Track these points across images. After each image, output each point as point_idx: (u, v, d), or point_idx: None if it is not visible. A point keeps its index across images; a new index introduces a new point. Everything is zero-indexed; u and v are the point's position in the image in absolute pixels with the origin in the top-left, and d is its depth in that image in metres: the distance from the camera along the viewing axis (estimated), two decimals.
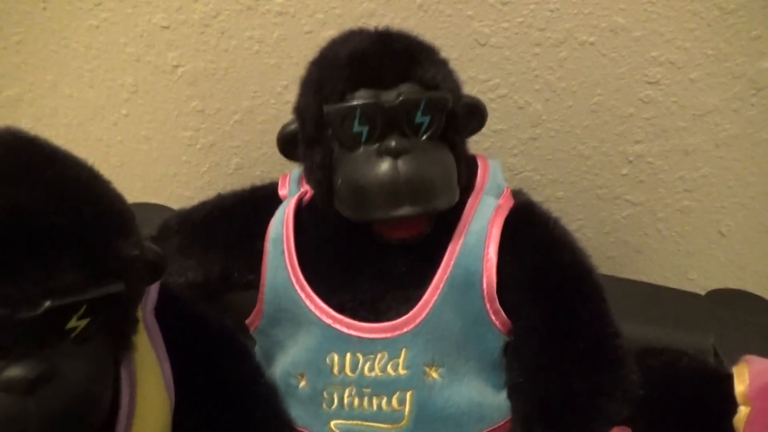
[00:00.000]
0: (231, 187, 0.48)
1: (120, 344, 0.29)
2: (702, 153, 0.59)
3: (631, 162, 0.61)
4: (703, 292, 0.60)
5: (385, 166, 0.36)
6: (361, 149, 0.37)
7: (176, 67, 0.61)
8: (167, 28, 0.59)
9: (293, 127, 0.40)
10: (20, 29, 0.60)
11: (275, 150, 0.66)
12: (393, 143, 0.36)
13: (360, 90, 0.37)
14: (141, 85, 0.63)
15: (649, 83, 0.56)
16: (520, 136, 0.61)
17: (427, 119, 0.37)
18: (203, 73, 0.61)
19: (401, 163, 0.36)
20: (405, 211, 0.36)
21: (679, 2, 0.53)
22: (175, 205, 0.52)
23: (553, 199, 0.64)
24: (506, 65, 0.57)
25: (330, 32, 0.57)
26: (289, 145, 0.41)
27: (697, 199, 0.62)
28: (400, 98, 0.36)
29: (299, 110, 0.40)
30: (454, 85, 0.40)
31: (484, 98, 0.45)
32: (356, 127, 0.36)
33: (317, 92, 0.38)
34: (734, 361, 0.46)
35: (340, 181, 0.37)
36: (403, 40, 0.39)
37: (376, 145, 0.36)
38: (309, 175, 0.40)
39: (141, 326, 0.32)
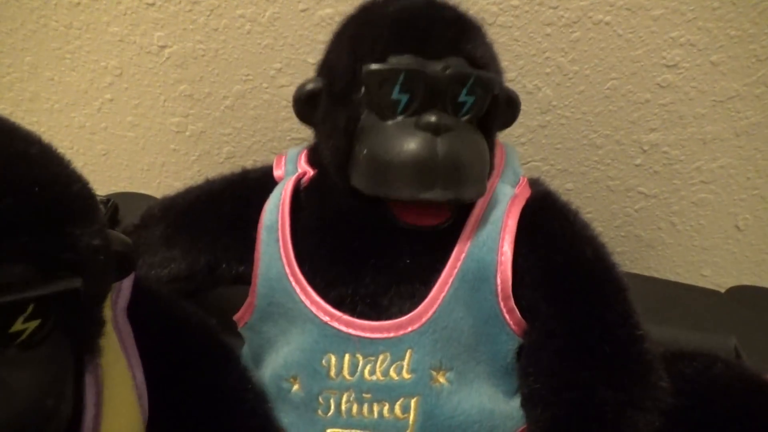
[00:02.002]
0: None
1: (82, 348, 0.26)
2: (721, 142, 0.57)
3: (645, 151, 0.58)
4: (717, 289, 0.57)
5: (422, 141, 0.32)
6: (396, 119, 0.33)
7: (163, 47, 0.57)
8: (153, 5, 0.55)
9: (313, 85, 0.36)
10: None
11: (269, 138, 0.64)
12: (434, 118, 0.32)
13: (405, 55, 0.33)
14: (126, 68, 0.59)
15: (667, 66, 0.53)
16: (529, 123, 0.58)
17: (471, 99, 0.34)
18: (192, 55, 0.57)
19: (441, 142, 0.32)
20: (435, 194, 0.32)
21: None
22: (163, 195, 0.49)
23: (562, 191, 0.61)
24: (515, 46, 0.54)
25: (327, 11, 0.54)
26: (306, 105, 0.37)
27: (714, 192, 0.60)
28: (448, 70, 0.33)
29: (327, 66, 0.36)
30: (499, 71, 0.37)
31: None
32: (395, 94, 0.33)
33: (354, 48, 0.34)
34: (758, 363, 0.43)
35: (365, 150, 0.34)
36: (454, 11, 0.36)
37: (413, 118, 0.33)
38: (326, 141, 0.36)
39: (110, 327, 0.28)
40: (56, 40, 0.58)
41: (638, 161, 0.59)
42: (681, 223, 0.62)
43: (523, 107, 0.57)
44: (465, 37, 0.34)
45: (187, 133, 0.63)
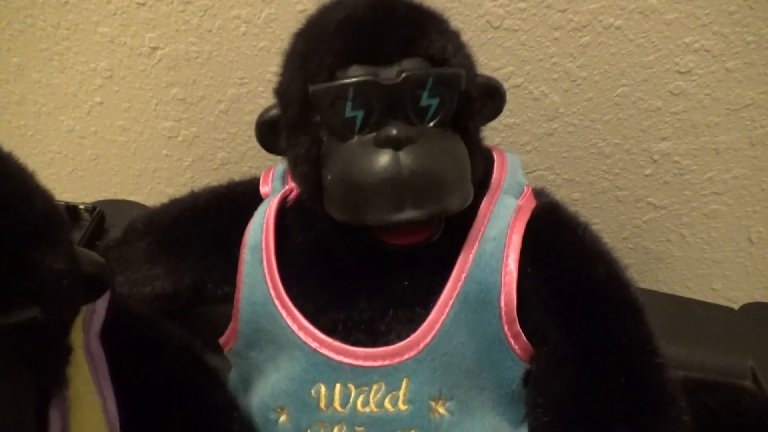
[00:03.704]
0: (216, 184, 0.42)
1: (46, 380, 0.23)
2: (735, 152, 0.54)
3: (655, 161, 0.56)
4: (730, 305, 0.55)
5: (384, 159, 0.29)
6: (355, 138, 0.31)
7: (154, 49, 0.55)
8: (144, 5, 0.53)
9: (274, 112, 0.34)
10: None
11: None
12: (394, 131, 0.29)
13: (353, 66, 0.30)
14: (116, 70, 0.57)
15: (680, 73, 0.51)
16: (535, 131, 0.55)
17: (435, 101, 0.31)
18: (184, 57, 0.55)
19: (404, 156, 0.29)
20: (408, 214, 0.29)
21: None
22: (155, 203, 0.46)
23: (569, 201, 0.59)
24: (521, 51, 0.51)
25: None
26: (269, 133, 0.34)
27: (726, 203, 0.57)
28: (403, 75, 0.30)
29: (280, 91, 0.34)
30: (467, 61, 0.33)
31: None
32: (349, 112, 0.30)
33: (301, 68, 0.32)
34: None
35: (329, 176, 0.31)
36: (406, 7, 0.32)
37: (374, 134, 0.30)
38: (293, 170, 0.34)
39: (80, 354, 0.26)
40: (44, 41, 0.56)
41: (648, 171, 0.57)
42: (691, 235, 0.60)
43: (529, 114, 0.56)
44: (419, 33, 0.31)
45: (180, 138, 0.60)
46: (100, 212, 0.50)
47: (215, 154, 0.61)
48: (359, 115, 0.30)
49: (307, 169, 0.32)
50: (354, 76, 0.30)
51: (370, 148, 0.30)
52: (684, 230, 0.60)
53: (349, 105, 0.30)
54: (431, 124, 0.31)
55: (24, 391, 0.22)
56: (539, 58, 0.52)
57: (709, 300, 0.57)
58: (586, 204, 0.60)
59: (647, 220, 0.60)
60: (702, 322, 0.50)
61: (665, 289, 0.62)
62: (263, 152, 0.60)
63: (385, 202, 0.30)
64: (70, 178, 0.65)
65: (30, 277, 0.21)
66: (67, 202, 0.50)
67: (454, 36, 0.33)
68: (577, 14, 0.49)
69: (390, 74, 0.30)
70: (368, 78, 0.30)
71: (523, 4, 0.50)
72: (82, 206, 0.51)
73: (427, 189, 0.30)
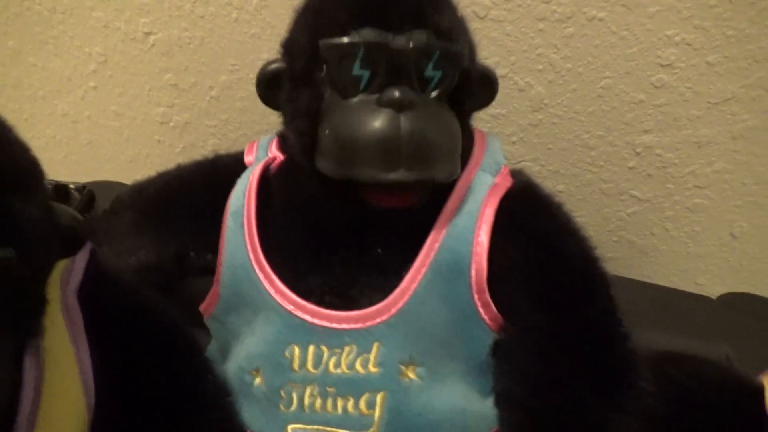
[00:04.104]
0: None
1: (22, 327, 0.24)
2: (716, 146, 0.55)
3: (638, 154, 0.57)
4: (713, 296, 0.55)
5: (385, 118, 0.30)
6: (358, 97, 0.32)
7: (148, 34, 0.56)
8: None
9: (277, 65, 0.35)
10: None
11: (255, 131, 0.63)
12: (397, 93, 0.30)
13: (366, 28, 0.31)
14: (110, 55, 0.58)
15: (662, 66, 0.52)
16: (520, 121, 0.56)
17: (438, 74, 0.32)
18: (177, 43, 0.56)
19: (404, 119, 0.30)
20: (400, 175, 0.30)
21: None
22: None
23: (554, 193, 0.60)
24: (506, 41, 0.52)
25: None
26: (270, 87, 0.35)
27: (708, 197, 0.58)
28: (412, 43, 0.31)
29: (289, 44, 0.35)
30: (470, 45, 0.35)
31: None
32: (356, 70, 0.31)
33: (314, 24, 0.33)
34: (750, 370, 0.42)
35: (327, 131, 0.32)
36: None
37: (376, 95, 0.31)
38: (290, 123, 0.35)
39: (56, 308, 0.26)
40: (39, 25, 0.57)
41: (631, 164, 0.57)
42: (675, 229, 0.61)
43: (514, 105, 0.56)
44: (431, 8, 0.32)
45: (172, 124, 0.61)
46: (89, 191, 0.51)
47: (206, 140, 0.62)
48: (365, 74, 0.31)
49: (305, 122, 0.33)
50: (366, 37, 0.31)
51: (372, 107, 0.31)
52: (667, 224, 0.61)
53: (357, 64, 0.31)
54: (432, 95, 0.33)
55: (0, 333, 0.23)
56: (524, 48, 0.53)
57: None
58: (571, 196, 0.60)
59: (631, 213, 0.60)
60: (680, 311, 0.51)
61: (649, 282, 0.63)
62: (254, 138, 0.61)
63: (380, 160, 0.31)
64: (64, 162, 0.66)
65: (5, 220, 0.22)
66: (57, 181, 0.51)
67: (461, 20, 0.35)
68: (561, 6, 0.50)
69: (400, 41, 0.31)
70: (380, 40, 0.31)
71: None
72: (72, 185, 0.52)
73: (422, 154, 0.31)
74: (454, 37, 0.33)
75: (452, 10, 0.34)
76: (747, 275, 0.62)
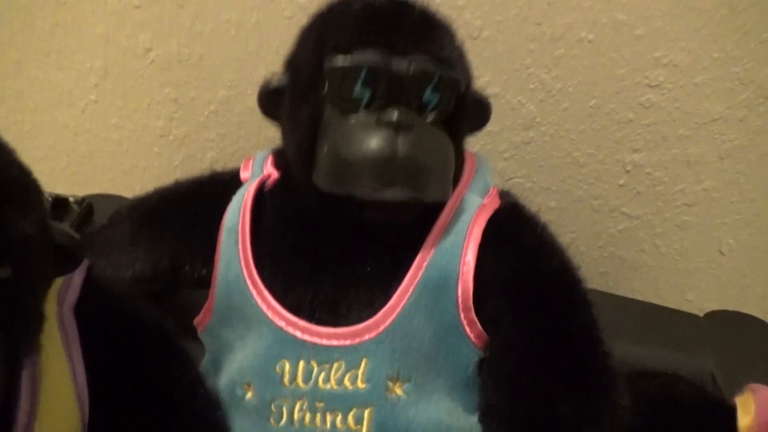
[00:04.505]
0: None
1: (18, 343, 0.25)
2: (704, 164, 0.56)
3: (628, 172, 0.58)
4: (700, 313, 0.56)
5: (382, 138, 0.32)
6: (358, 115, 0.33)
7: (148, 50, 0.57)
8: (139, 7, 0.55)
9: (279, 81, 0.36)
10: None
11: (253, 144, 0.64)
12: (396, 114, 0.32)
13: (369, 50, 0.33)
14: (111, 69, 0.59)
15: (651, 87, 0.53)
16: (512, 139, 0.57)
17: (436, 98, 0.33)
18: (177, 58, 0.57)
19: (401, 139, 0.32)
20: (394, 193, 0.32)
21: None
22: None
23: (545, 209, 0.61)
24: (499, 61, 0.54)
25: None
26: (271, 102, 0.36)
27: (697, 215, 0.59)
28: (413, 67, 0.32)
29: (293, 61, 0.36)
30: (467, 72, 0.37)
31: None
32: (358, 90, 0.33)
33: (318, 44, 0.34)
34: (734, 388, 0.42)
35: (326, 147, 0.33)
36: (423, 9, 0.35)
37: (375, 115, 0.32)
38: (289, 137, 0.36)
39: (52, 323, 0.27)
40: (42, 39, 0.58)
41: (621, 181, 0.58)
42: (664, 245, 0.61)
43: (506, 122, 0.58)
44: (432, 35, 0.34)
45: (171, 137, 0.62)
46: (88, 204, 0.52)
47: (204, 154, 0.63)
48: (366, 94, 0.33)
49: (305, 137, 0.34)
50: (369, 58, 0.32)
51: (371, 126, 0.32)
52: (657, 240, 0.61)
53: (359, 84, 0.32)
54: (429, 118, 0.34)
55: None
56: (516, 68, 0.54)
57: (682, 309, 0.59)
58: (562, 212, 0.61)
59: (621, 229, 0.61)
60: (667, 327, 0.52)
61: (640, 298, 0.64)
62: (251, 153, 0.62)
63: (376, 178, 0.32)
64: (64, 173, 0.66)
65: (2, 238, 0.22)
66: (57, 194, 0.52)
67: (459, 47, 0.37)
68: (551, 27, 0.52)
69: (401, 64, 0.33)
70: (383, 63, 0.32)
71: (499, 17, 0.52)
72: (71, 198, 0.53)
73: (416, 174, 0.32)
74: (453, 63, 0.34)
75: (452, 37, 0.36)
76: (735, 291, 0.63)
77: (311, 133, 0.34)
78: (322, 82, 0.33)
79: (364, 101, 0.33)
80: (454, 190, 0.37)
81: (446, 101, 0.34)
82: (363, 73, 0.32)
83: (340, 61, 0.33)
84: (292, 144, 0.36)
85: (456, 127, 0.35)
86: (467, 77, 0.36)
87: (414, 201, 0.33)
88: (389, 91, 0.33)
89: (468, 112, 0.36)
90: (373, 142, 0.31)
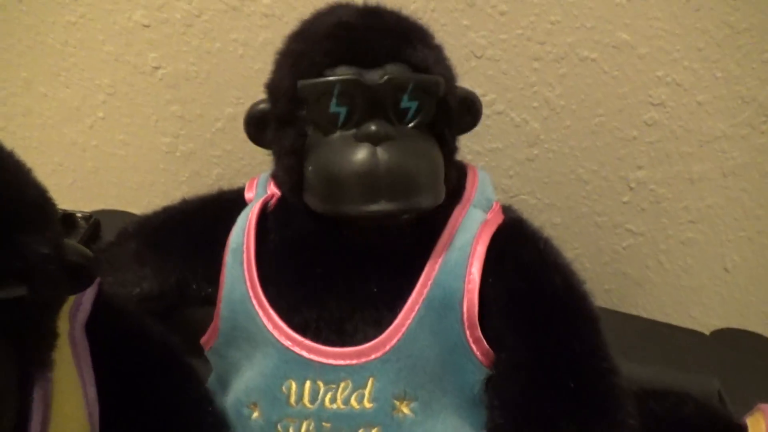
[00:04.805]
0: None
1: (31, 360, 0.25)
2: (708, 182, 0.56)
3: (632, 188, 0.58)
4: (706, 331, 0.56)
5: (362, 153, 0.32)
6: (338, 133, 0.33)
7: (156, 68, 0.58)
8: (148, 27, 0.56)
9: (263, 106, 0.37)
10: None
11: (258, 161, 0.64)
12: (373, 127, 0.32)
13: (341, 66, 0.33)
14: (119, 86, 0.60)
15: (654, 105, 0.54)
16: (516, 156, 0.58)
17: (414, 104, 0.33)
18: (184, 76, 0.58)
19: (381, 151, 0.32)
20: (381, 206, 0.32)
21: (688, 19, 0.50)
22: None
23: (549, 225, 0.61)
24: (503, 79, 0.54)
25: None
26: (257, 127, 0.37)
27: (701, 231, 0.59)
28: (385, 77, 0.32)
29: (272, 86, 0.36)
30: (447, 72, 0.36)
31: None
32: (333, 107, 0.33)
33: (293, 66, 0.34)
34: (741, 407, 0.42)
35: (311, 168, 0.33)
36: (393, 17, 0.35)
37: (354, 130, 0.33)
38: (278, 162, 0.36)
39: (64, 341, 0.27)
40: (52, 57, 0.59)
41: (625, 198, 0.59)
42: (669, 262, 0.62)
43: (510, 140, 0.58)
44: (404, 42, 0.34)
45: (178, 154, 0.63)
46: (95, 220, 0.52)
47: (210, 170, 0.63)
48: (343, 111, 0.33)
49: (291, 161, 0.34)
50: (340, 74, 0.33)
51: (350, 142, 0.32)
52: (662, 257, 0.61)
53: (334, 101, 0.32)
54: (410, 125, 0.34)
55: (8, 367, 0.24)
56: (520, 86, 0.54)
57: (687, 326, 0.59)
58: (566, 228, 0.61)
59: (626, 246, 0.61)
60: (673, 345, 0.52)
61: (645, 314, 0.64)
62: (257, 169, 0.63)
63: (361, 194, 0.32)
64: (71, 188, 0.67)
65: (18, 258, 0.23)
66: (65, 210, 0.52)
67: (436, 48, 0.36)
68: (555, 46, 0.52)
69: (374, 76, 0.33)
70: (353, 77, 0.32)
71: (504, 36, 0.52)
72: (79, 214, 0.53)
73: (401, 184, 0.32)
74: (428, 67, 0.34)
75: (426, 40, 0.36)
76: (740, 308, 0.63)
77: (297, 156, 0.34)
78: (302, 105, 0.34)
79: (342, 118, 0.33)
80: (455, 205, 0.37)
81: (426, 106, 0.34)
82: (336, 90, 0.32)
83: (312, 81, 0.33)
84: (281, 168, 0.36)
85: (441, 130, 0.35)
86: (449, 78, 0.36)
87: (403, 212, 0.33)
88: (365, 105, 0.33)
89: (453, 113, 0.36)
90: (353, 157, 0.32)
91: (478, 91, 0.55)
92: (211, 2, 0.54)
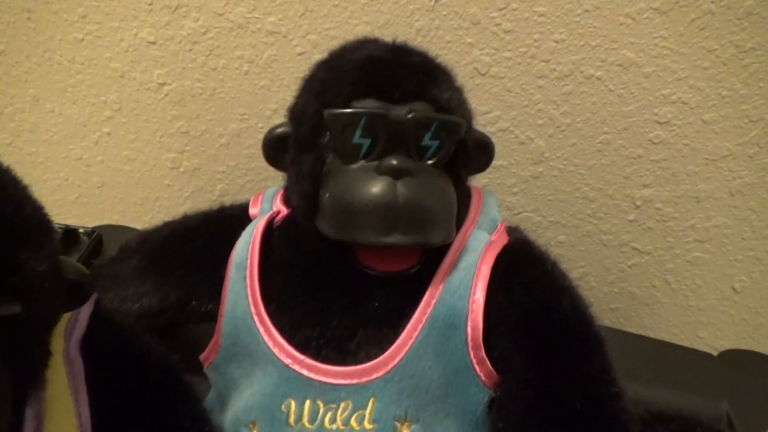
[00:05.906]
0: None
1: (24, 379, 0.25)
2: (715, 201, 0.56)
3: (638, 207, 0.57)
4: (714, 352, 0.55)
5: (382, 185, 0.32)
6: (358, 163, 0.34)
7: (162, 85, 0.58)
8: (154, 44, 0.56)
9: (283, 129, 0.37)
10: (3, 39, 0.58)
11: (262, 177, 0.64)
12: (395, 162, 0.32)
13: (368, 99, 0.34)
14: (125, 103, 0.60)
15: (659, 123, 0.53)
16: (521, 173, 0.57)
17: (435, 143, 0.34)
18: (190, 93, 0.58)
19: (401, 186, 0.32)
20: (396, 239, 0.32)
21: (693, 38, 0.50)
22: None
23: (555, 244, 0.61)
24: (508, 97, 0.54)
25: (322, 55, 0.55)
26: (276, 149, 0.37)
27: (709, 251, 0.58)
28: (411, 115, 0.33)
29: (295, 111, 0.37)
30: (467, 115, 0.37)
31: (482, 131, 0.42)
32: (357, 138, 0.33)
33: (320, 93, 0.35)
34: (750, 430, 0.41)
35: (327, 194, 0.34)
36: (421, 57, 0.36)
37: (376, 162, 0.33)
38: (294, 185, 0.36)
39: (59, 359, 0.27)
40: (59, 74, 0.59)
41: (631, 216, 0.58)
42: (676, 282, 0.61)
43: (515, 157, 0.58)
44: (431, 82, 0.35)
45: (182, 170, 0.63)
46: (98, 235, 0.52)
47: (215, 186, 0.63)
48: (366, 143, 0.33)
49: (308, 185, 0.35)
50: (368, 107, 0.33)
51: (371, 174, 0.33)
52: (669, 276, 0.61)
53: (358, 132, 0.33)
54: (429, 162, 0.34)
55: (2, 385, 0.23)
56: (525, 104, 0.54)
57: (695, 347, 0.58)
58: (572, 247, 0.61)
59: (632, 264, 0.61)
60: (681, 367, 0.51)
61: (652, 335, 0.63)
62: (261, 185, 0.63)
63: (378, 224, 0.32)
64: (76, 204, 0.67)
65: (14, 275, 0.22)
66: (68, 226, 0.52)
67: (459, 91, 0.37)
68: (559, 64, 0.52)
69: (400, 112, 0.33)
70: (381, 111, 0.33)
71: (508, 53, 0.52)
72: (81, 230, 0.53)
73: (417, 219, 0.32)
74: (452, 108, 0.35)
75: (451, 82, 0.37)
76: (749, 329, 0.62)
77: (314, 182, 0.35)
78: (324, 132, 0.34)
79: (364, 149, 0.33)
80: (460, 226, 0.37)
81: (446, 146, 0.34)
82: (362, 122, 0.33)
83: (339, 111, 0.33)
84: (296, 192, 0.36)
85: (457, 170, 0.36)
86: (468, 121, 0.37)
87: (416, 246, 0.33)
88: (388, 139, 0.33)
89: (469, 154, 0.37)
90: (374, 189, 0.32)
91: (482, 109, 0.56)
92: (216, 20, 0.55)
